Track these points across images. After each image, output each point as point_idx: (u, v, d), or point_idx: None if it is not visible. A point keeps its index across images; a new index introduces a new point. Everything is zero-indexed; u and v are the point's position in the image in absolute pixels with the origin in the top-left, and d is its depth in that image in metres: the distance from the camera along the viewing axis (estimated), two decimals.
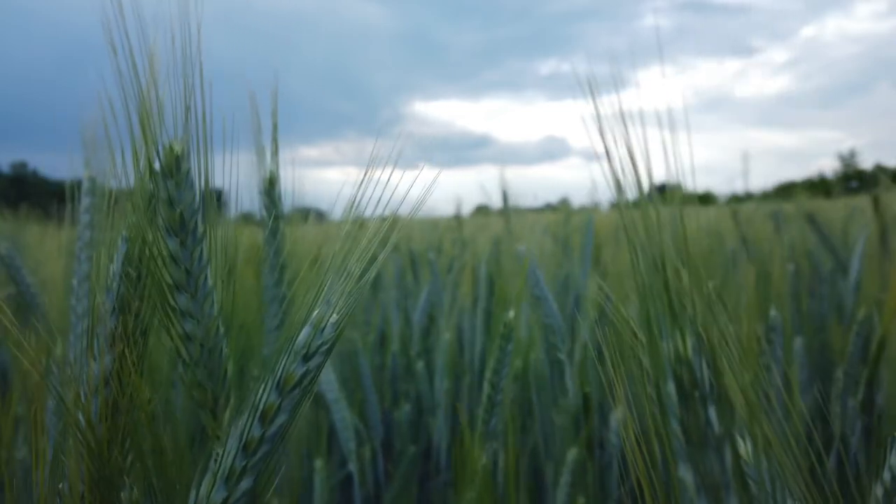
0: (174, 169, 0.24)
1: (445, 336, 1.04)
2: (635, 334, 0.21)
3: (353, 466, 0.79)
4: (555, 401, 0.88)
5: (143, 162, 0.24)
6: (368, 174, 0.24)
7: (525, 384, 0.87)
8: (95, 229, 0.45)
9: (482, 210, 2.19)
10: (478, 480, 0.59)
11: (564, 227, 1.37)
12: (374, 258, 0.23)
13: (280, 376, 0.23)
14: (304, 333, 0.23)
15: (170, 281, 0.25)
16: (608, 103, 0.21)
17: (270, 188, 0.38)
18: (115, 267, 0.26)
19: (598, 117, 0.21)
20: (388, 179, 0.24)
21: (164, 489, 0.26)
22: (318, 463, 0.77)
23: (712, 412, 0.19)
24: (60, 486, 0.26)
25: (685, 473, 0.20)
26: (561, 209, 1.47)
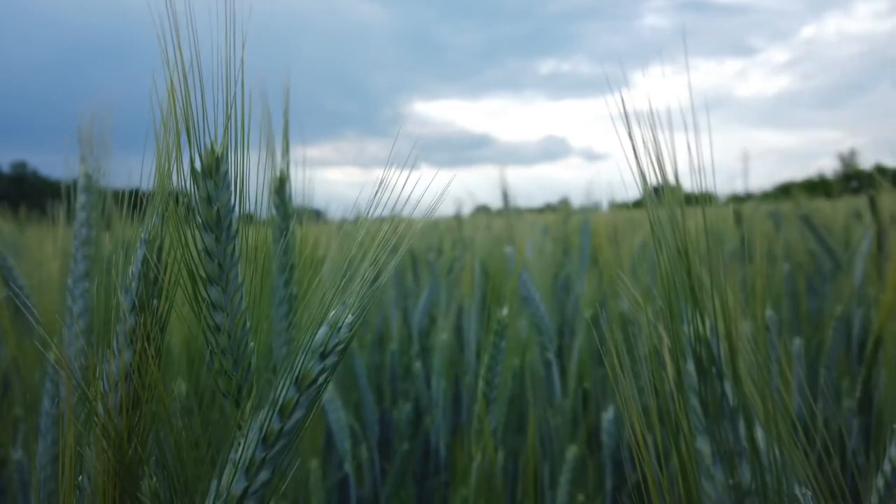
0: (214, 169, 0.25)
1: (443, 336, 1.05)
2: (653, 320, 0.23)
3: (348, 466, 0.80)
4: (549, 399, 0.89)
5: (183, 163, 0.25)
6: (371, 176, 0.25)
7: (523, 383, 0.88)
8: (92, 227, 0.45)
9: (483, 210, 2.19)
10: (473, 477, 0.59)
11: (564, 227, 1.38)
12: (387, 260, 0.24)
13: (298, 373, 0.24)
14: (322, 332, 0.24)
15: (203, 274, 0.26)
16: (608, 104, 0.22)
17: (281, 188, 0.39)
18: (135, 267, 0.27)
19: (598, 118, 0.22)
20: (394, 181, 0.25)
21: (182, 479, 0.26)
22: (314, 463, 0.78)
23: (728, 387, 0.21)
24: (80, 478, 0.27)
25: (702, 445, 0.21)
26: (561, 209, 1.47)
